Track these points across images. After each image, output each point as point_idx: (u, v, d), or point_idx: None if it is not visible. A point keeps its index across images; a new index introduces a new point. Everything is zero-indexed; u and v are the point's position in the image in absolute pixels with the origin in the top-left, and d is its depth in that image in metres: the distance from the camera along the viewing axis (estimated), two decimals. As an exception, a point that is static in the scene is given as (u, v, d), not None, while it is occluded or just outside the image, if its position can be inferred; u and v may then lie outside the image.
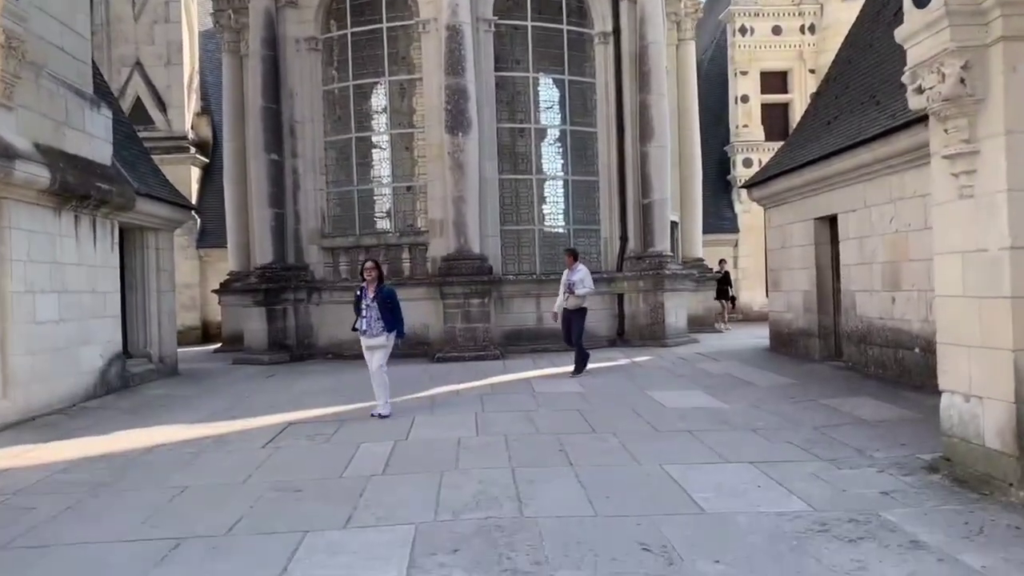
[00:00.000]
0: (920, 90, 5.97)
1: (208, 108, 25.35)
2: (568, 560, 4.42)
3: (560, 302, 12.18)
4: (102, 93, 12.13)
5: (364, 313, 9.00)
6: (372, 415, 8.96)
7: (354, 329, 9.27)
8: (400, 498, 5.76)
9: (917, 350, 9.68)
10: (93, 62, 12.17)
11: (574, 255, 12.34)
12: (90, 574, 4.53)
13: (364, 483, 6.19)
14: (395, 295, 9.19)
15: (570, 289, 11.94)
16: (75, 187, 10.03)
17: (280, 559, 4.59)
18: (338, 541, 4.88)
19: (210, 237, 23.27)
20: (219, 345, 19.31)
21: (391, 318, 9.00)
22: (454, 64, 14.77)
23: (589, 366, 12.17)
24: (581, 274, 11.98)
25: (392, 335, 9.07)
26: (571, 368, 11.99)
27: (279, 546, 4.81)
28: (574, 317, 12.07)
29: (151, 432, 8.63)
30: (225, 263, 20.13)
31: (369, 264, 9.20)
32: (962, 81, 5.50)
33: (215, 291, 19.98)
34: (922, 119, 8.73)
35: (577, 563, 4.37)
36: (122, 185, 11.40)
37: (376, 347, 9.06)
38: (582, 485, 5.95)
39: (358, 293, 9.18)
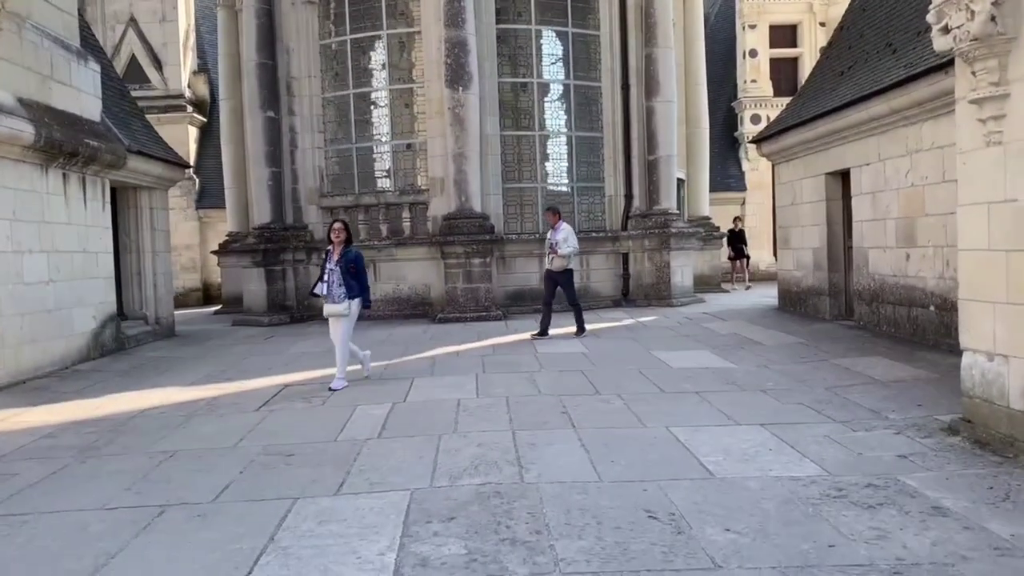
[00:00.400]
0: (946, 30, 5.59)
1: (205, 66, 24.81)
2: (570, 529, 4.18)
3: (546, 264, 11.80)
4: (90, 47, 11.74)
5: (326, 277, 8.35)
6: (329, 389, 8.25)
7: (313, 294, 8.73)
8: (395, 463, 5.52)
9: (932, 308, 9.38)
10: (80, 15, 11.78)
11: (557, 213, 11.87)
12: (69, 544, 4.30)
13: (359, 447, 5.96)
14: (361, 259, 8.54)
15: (553, 249, 11.46)
16: (62, 143, 9.70)
17: (267, 527, 4.37)
18: (329, 508, 4.66)
19: (210, 198, 22.95)
20: (219, 307, 19.09)
21: (355, 284, 8.32)
22: (454, 16, 14.29)
23: (593, 326, 11.89)
24: (564, 233, 11.49)
25: (356, 303, 8.37)
26: (573, 328, 11.68)
27: (267, 514, 4.59)
28: (560, 279, 11.63)
29: (143, 395, 8.43)
30: (225, 224, 19.81)
31: (338, 225, 8.52)
32: (992, 19, 5.13)
33: (214, 252, 19.71)
34: (941, 67, 8.38)
35: (579, 532, 4.13)
36: (112, 142, 11.07)
37: (337, 315, 8.35)
38: (585, 448, 5.71)
39: (324, 256, 8.62)
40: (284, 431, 6.63)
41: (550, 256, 11.55)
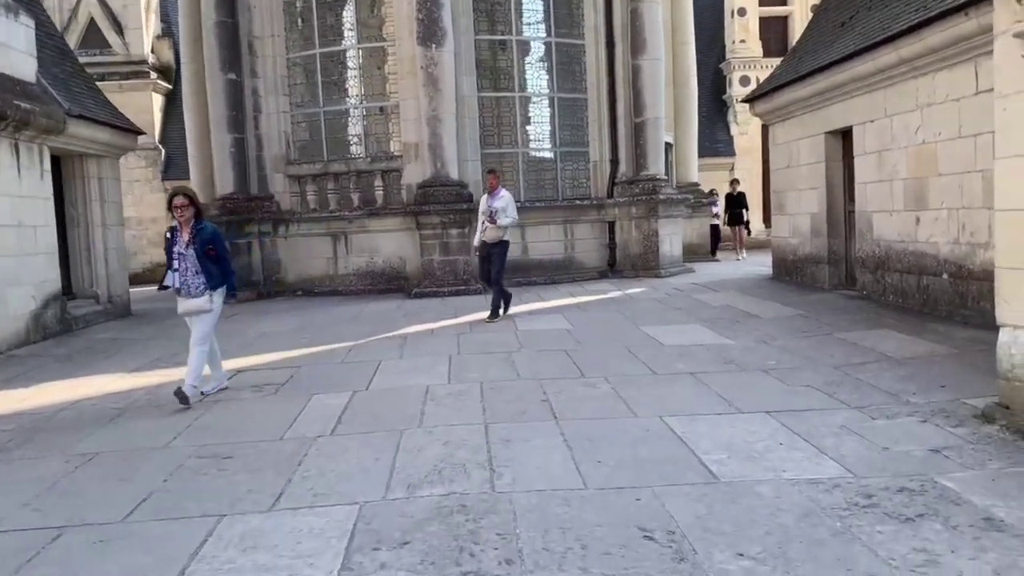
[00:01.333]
0: (986, -49, 4.77)
1: (170, 30, 23.63)
2: (548, 556, 3.40)
3: (479, 235, 10.42)
4: (25, 1, 10.69)
5: (176, 264, 6.53)
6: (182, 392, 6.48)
7: (163, 287, 6.90)
8: (346, 467, 4.73)
9: (945, 276, 8.63)
10: (15, -34, 10.72)
11: (497, 176, 10.53)
12: (-65, 581, 3.52)
13: (307, 447, 5.16)
14: (220, 237, 6.79)
15: (491, 219, 10.17)
16: (-14, 105, 8.76)
17: (180, 557, 3.58)
18: (258, 529, 3.86)
19: (176, 169, 21.88)
20: (186, 283, 18.15)
21: (216, 270, 6.62)
22: (425, -33, 13.30)
23: (578, 299, 11.09)
24: (504, 201, 10.16)
25: (219, 293, 6.69)
26: (560, 302, 10.87)
27: (184, 537, 3.80)
28: (494, 252, 10.30)
29: (79, 383, 7.61)
30: (190, 196, 18.81)
31: (179, 199, 6.54)
32: (1045, -66, 4.31)
33: (179, 226, 18.71)
34: (959, 8, 7.57)
35: (559, 560, 3.36)
36: (49, 105, 10.09)
37: (195, 312, 6.61)
38: (568, 446, 4.93)
39: (168, 236, 6.67)
40: (226, 427, 5.83)
41: (483, 225, 10.24)
